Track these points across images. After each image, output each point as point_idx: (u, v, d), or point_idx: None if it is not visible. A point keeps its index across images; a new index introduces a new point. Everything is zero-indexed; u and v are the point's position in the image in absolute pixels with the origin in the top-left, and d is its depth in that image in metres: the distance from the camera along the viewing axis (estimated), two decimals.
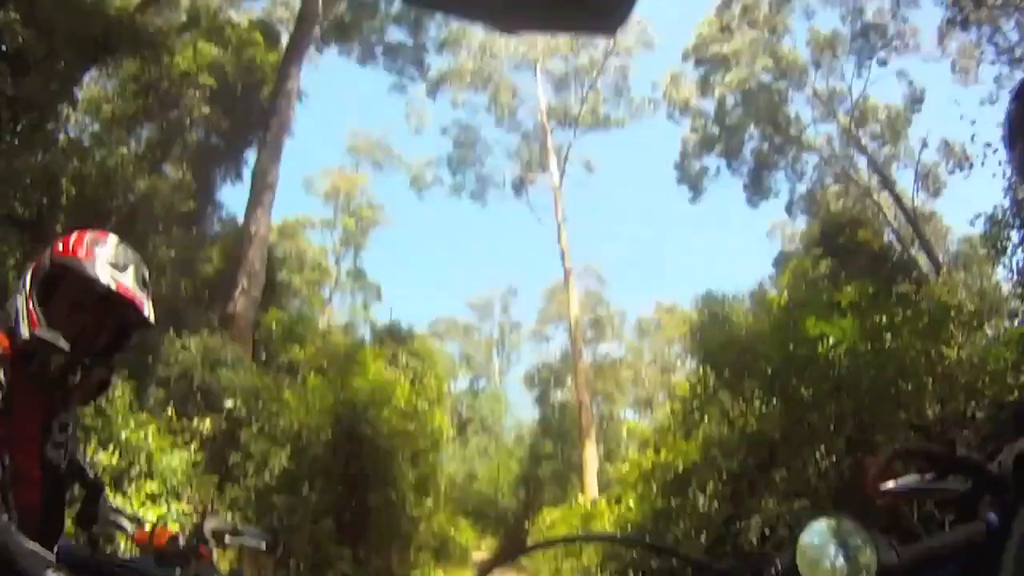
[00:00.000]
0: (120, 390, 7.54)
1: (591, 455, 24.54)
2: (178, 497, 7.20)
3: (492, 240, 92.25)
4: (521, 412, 46.72)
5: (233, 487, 8.92)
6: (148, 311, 2.05)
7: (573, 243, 30.13)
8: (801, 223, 26.59)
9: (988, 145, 11.25)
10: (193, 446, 8.18)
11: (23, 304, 1.96)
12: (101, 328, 2.06)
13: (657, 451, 9.58)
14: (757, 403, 7.48)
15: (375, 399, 11.02)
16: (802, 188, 26.34)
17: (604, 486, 21.60)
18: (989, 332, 7.84)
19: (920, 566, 0.90)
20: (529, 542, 19.06)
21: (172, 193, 12.23)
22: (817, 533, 0.89)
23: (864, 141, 23.76)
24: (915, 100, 23.28)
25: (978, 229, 10.68)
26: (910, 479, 2.29)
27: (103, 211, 9.50)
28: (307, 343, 12.78)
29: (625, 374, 41.86)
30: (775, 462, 6.71)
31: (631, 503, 9.66)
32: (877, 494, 2.35)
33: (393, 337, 18.95)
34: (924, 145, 23.07)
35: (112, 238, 2.09)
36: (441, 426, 15.43)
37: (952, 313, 6.54)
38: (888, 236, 19.30)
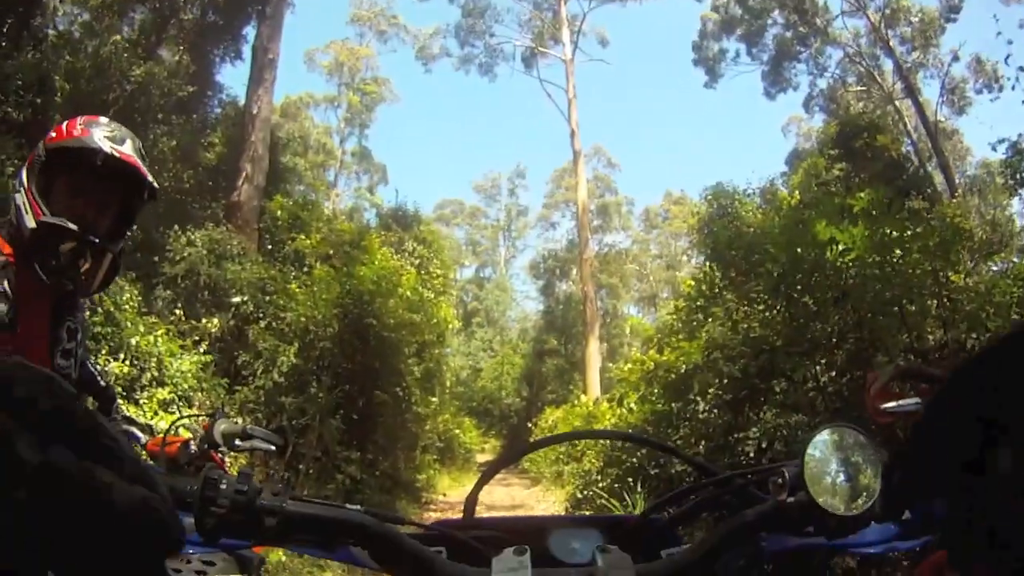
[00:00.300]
0: (128, 293, 7.57)
1: (594, 352, 24.80)
2: (189, 402, 7.33)
3: (500, 118, 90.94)
4: (526, 304, 47.35)
5: (243, 389, 9.02)
6: (151, 178, 2.07)
7: (583, 123, 29.67)
8: (818, 120, 26.08)
9: (1022, 69, 10.76)
10: (202, 347, 8.21)
11: (24, 199, 1.95)
12: (104, 210, 2.05)
13: (660, 351, 9.64)
14: (761, 307, 7.45)
15: (381, 288, 11.00)
16: (822, 84, 25.68)
17: (606, 385, 21.98)
18: (997, 265, 7.71)
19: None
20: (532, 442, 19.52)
21: (169, 79, 11.81)
22: (824, 445, 0.85)
23: (892, 43, 22.65)
24: (951, 8, 22.16)
25: (999, 155, 10.41)
26: (910, 401, 2.29)
27: (99, 105, 9.24)
28: (312, 231, 12.68)
29: (630, 268, 42.03)
30: (775, 372, 6.73)
31: (632, 405, 9.80)
32: (877, 412, 2.34)
33: (399, 222, 18.85)
34: (955, 58, 22.26)
35: (104, 118, 2.09)
36: (447, 317, 15.45)
37: (963, 238, 6.39)
38: (906, 148, 18.76)
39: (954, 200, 14.52)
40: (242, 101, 13.56)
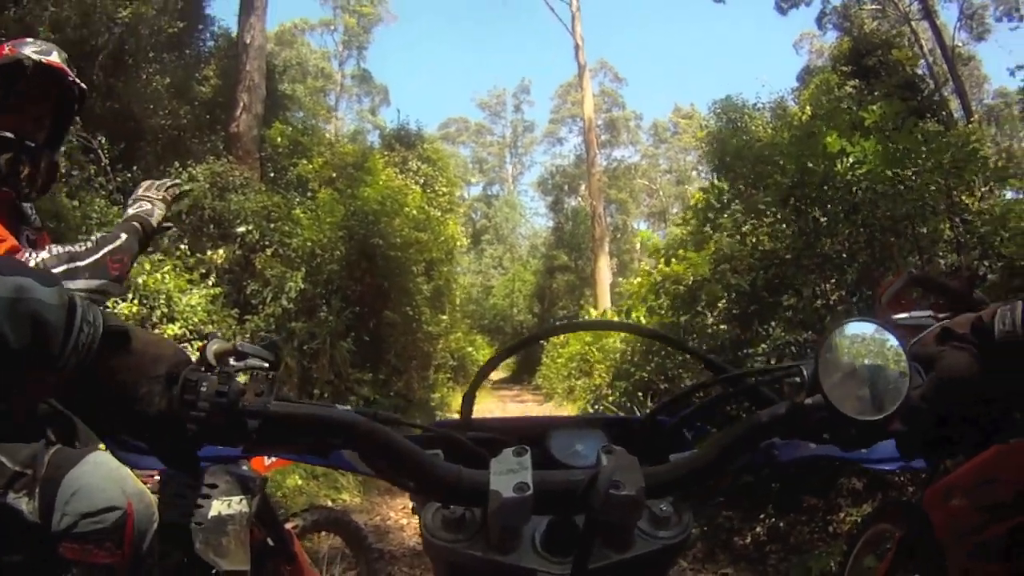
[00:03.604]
0: None
1: (604, 267, 24.88)
2: (201, 335, 7.26)
3: (503, 33, 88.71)
4: (535, 220, 47.27)
5: (253, 318, 9.01)
6: (78, 80, 2.23)
7: (588, 37, 29.05)
8: (831, 38, 25.33)
9: None
10: (211, 280, 8.16)
11: None
12: (40, 121, 2.20)
13: (667, 263, 9.60)
14: (770, 219, 7.36)
15: (386, 208, 10.93)
16: (836, 1, 24.80)
17: (617, 299, 22.04)
18: (1011, 193, 7.45)
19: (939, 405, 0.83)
20: (545, 359, 19.69)
21: (158, 16, 11.33)
22: (844, 342, 0.78)
23: None
24: None
25: (1018, 82, 10.07)
26: (923, 314, 2.23)
27: (88, 51, 8.98)
28: (314, 155, 12.46)
29: (640, 183, 41.67)
30: (784, 286, 6.69)
31: (641, 317, 9.83)
32: (887, 322, 2.28)
33: (402, 141, 18.51)
34: None
35: (30, 39, 2.25)
36: (454, 235, 15.45)
37: (978, 162, 6.16)
38: (922, 70, 18.10)
39: (970, 125, 14.07)
40: (235, 32, 13.12)
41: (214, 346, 2.27)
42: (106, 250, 2.16)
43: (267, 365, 2.32)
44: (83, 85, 2.26)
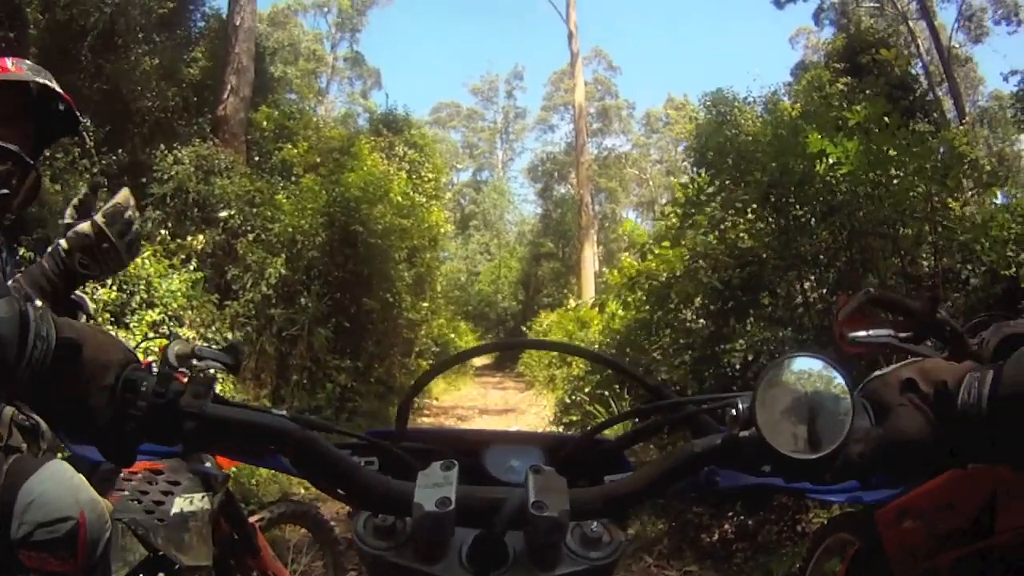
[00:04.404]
0: None
1: (589, 256, 24.96)
2: (180, 321, 7.27)
3: (498, 18, 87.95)
4: (524, 207, 47.15)
5: (233, 303, 8.99)
6: (72, 105, 2.25)
7: (583, 24, 29.01)
8: (827, 34, 25.17)
9: None
10: (192, 265, 8.13)
11: None
12: (27, 141, 2.17)
13: (643, 257, 9.57)
14: (751, 217, 7.34)
15: (368, 195, 10.88)
16: None
17: (601, 289, 22.07)
18: (999, 199, 7.39)
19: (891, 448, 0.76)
20: None
21: None
22: (785, 376, 0.74)
23: None
24: None
25: (1012, 87, 10.09)
26: (881, 332, 2.17)
27: (76, 32, 8.84)
28: (300, 140, 12.38)
29: (630, 172, 41.62)
30: (762, 284, 6.68)
31: (618, 311, 9.85)
32: (844, 341, 2.21)
33: (389, 126, 18.25)
34: None
35: (18, 58, 2.24)
36: (439, 222, 15.32)
37: (966, 165, 6.08)
38: (917, 70, 17.99)
39: (961, 127, 14.00)
40: (226, 12, 12.98)
41: (176, 347, 2.30)
42: None
43: (224, 367, 2.35)
44: (78, 115, 2.30)
